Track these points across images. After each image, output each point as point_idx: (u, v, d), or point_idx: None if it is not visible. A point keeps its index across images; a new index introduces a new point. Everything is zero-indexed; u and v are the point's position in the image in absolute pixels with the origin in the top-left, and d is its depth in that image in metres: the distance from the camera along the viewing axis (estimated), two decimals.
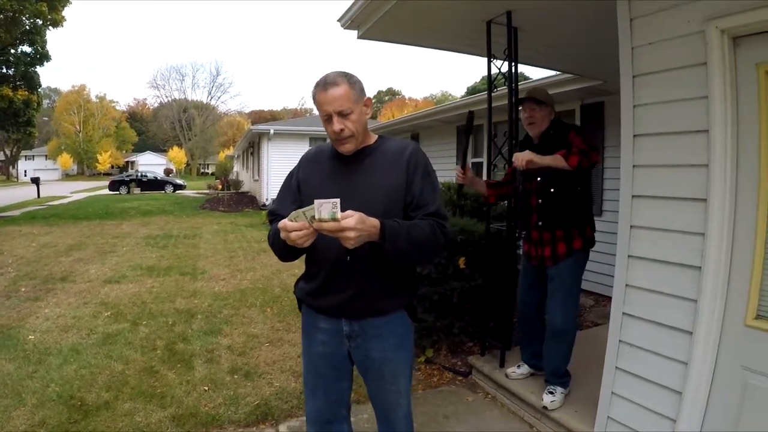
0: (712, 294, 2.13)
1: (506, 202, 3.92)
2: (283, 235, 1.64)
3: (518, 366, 3.72)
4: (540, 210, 3.27)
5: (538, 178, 3.25)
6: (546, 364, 3.35)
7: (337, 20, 4.30)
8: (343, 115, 1.83)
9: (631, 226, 2.49)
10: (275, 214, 1.98)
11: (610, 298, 5.88)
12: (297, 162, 2.10)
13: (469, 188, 4.09)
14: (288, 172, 2.10)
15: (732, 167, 2.08)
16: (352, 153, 1.92)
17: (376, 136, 2.02)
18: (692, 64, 2.18)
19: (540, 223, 3.26)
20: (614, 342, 2.58)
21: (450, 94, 76.61)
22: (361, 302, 1.90)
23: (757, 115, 2.01)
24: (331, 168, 1.97)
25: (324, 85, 1.83)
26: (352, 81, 1.86)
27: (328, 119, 1.85)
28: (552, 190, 3.20)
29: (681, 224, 2.25)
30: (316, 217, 1.55)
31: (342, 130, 1.84)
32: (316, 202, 1.55)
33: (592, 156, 3.04)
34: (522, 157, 2.98)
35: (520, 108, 3.46)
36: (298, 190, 1.99)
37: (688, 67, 2.20)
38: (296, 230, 1.60)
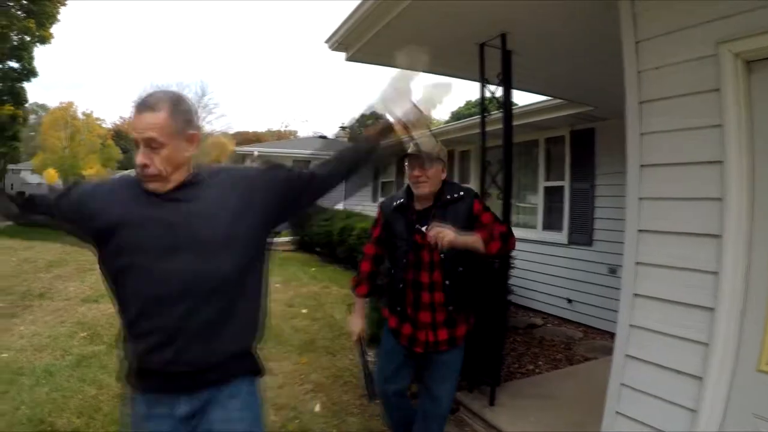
0: (725, 337, 1.98)
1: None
2: None
3: None
4: (448, 291, 2.65)
5: (442, 254, 2.61)
6: None
7: (325, 41, 4.21)
8: (151, 147, 1.46)
9: (636, 263, 2.33)
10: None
11: (599, 331, 5.90)
12: None
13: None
14: None
15: (748, 201, 1.95)
16: (159, 192, 1.53)
17: (197, 171, 1.65)
18: (704, 90, 2.06)
19: (450, 308, 2.66)
20: (615, 385, 2.41)
21: (434, 119, 77.00)
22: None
23: None
24: (144, 198, 1.54)
25: (140, 105, 1.47)
26: (176, 109, 1.50)
27: (137, 145, 1.47)
28: (460, 268, 2.65)
29: (692, 262, 2.10)
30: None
31: (146, 165, 1.46)
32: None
33: (511, 242, 2.62)
34: (444, 236, 2.34)
35: (405, 164, 2.73)
36: (83, 211, 1.59)
37: (699, 93, 2.08)
38: None
